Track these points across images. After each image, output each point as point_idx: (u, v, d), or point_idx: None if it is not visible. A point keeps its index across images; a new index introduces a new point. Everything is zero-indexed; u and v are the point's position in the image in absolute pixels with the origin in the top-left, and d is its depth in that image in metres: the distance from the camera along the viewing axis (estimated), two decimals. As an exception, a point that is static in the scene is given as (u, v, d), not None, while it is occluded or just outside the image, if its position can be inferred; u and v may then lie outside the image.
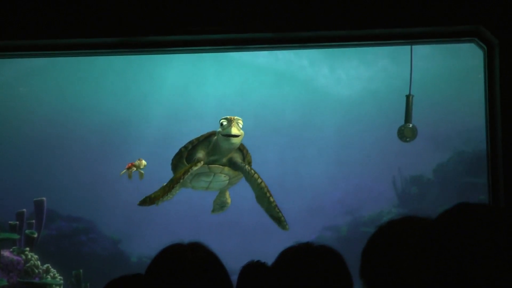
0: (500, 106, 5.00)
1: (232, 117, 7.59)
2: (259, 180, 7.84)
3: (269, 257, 3.14)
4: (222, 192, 8.76)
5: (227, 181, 8.20)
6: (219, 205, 8.90)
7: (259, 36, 5.40)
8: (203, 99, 18.41)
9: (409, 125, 6.93)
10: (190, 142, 8.06)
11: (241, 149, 8.08)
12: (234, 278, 3.09)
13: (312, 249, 2.88)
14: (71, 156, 18.06)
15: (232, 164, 7.95)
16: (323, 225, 17.26)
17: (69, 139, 18.22)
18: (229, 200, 8.85)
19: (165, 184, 7.75)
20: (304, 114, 18.84)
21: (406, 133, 7.08)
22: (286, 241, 3.13)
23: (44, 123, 18.20)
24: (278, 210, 7.82)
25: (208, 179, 8.08)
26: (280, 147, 18.68)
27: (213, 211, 8.97)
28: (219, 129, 7.66)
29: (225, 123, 7.57)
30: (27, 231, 12.01)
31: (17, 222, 12.02)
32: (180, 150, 8.13)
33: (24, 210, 12.28)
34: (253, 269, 3.76)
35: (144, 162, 8.61)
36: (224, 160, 7.95)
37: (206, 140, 7.98)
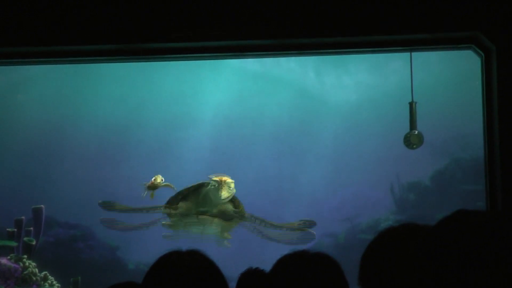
0: (498, 112, 5.01)
1: (222, 179, 7.60)
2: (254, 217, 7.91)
3: (266, 264, 3.14)
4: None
5: (219, 230, 8.18)
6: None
7: (258, 43, 5.42)
8: (201, 106, 18.40)
9: (414, 132, 6.95)
10: (180, 193, 8.08)
11: (233, 200, 8.07)
12: (232, 285, 3.08)
13: (309, 256, 2.88)
14: (69, 163, 18.03)
15: (223, 215, 7.94)
16: (321, 232, 17.23)
17: (67, 145, 18.19)
18: (229, 236, 8.69)
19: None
20: (302, 121, 18.83)
21: (412, 140, 7.10)
22: (283, 248, 3.13)
23: (42, 130, 18.17)
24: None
25: (199, 228, 8.08)
26: (277, 153, 18.67)
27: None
28: (210, 185, 7.66)
29: (215, 184, 7.60)
30: (25, 238, 11.99)
31: (15, 229, 12.00)
32: (171, 199, 8.16)
33: (23, 217, 12.26)
34: (251, 276, 3.76)
35: (160, 178, 8.54)
36: (215, 211, 7.94)
37: (196, 191, 7.98)
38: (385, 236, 2.70)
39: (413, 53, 6.26)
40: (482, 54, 5.18)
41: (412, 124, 6.84)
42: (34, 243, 12.06)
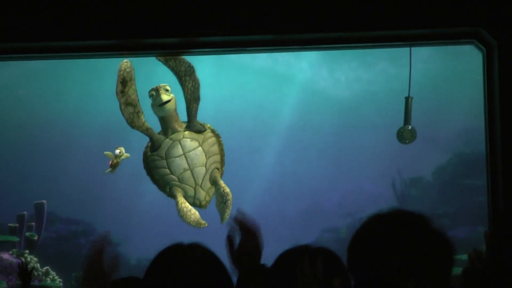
0: (499, 107, 5.00)
1: (158, 86, 7.68)
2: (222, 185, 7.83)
3: (267, 259, 3.14)
4: (215, 182, 8.32)
5: (200, 147, 7.89)
6: (221, 202, 8.36)
7: (259, 38, 5.41)
8: (202, 101, 18.36)
9: (408, 127, 6.94)
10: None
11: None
12: (234, 279, 3.08)
13: (310, 251, 2.88)
14: (70, 159, 18.05)
15: (187, 128, 7.84)
16: (322, 227, 17.27)
17: (68, 141, 18.21)
18: (227, 189, 8.32)
19: None
20: (303, 116, 18.83)
21: (405, 135, 7.09)
22: (285, 243, 3.13)
23: (43, 125, 18.19)
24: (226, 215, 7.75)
25: (178, 152, 7.83)
26: (279, 149, 18.68)
27: (222, 219, 8.38)
28: (151, 103, 7.72)
29: (153, 94, 7.67)
30: (27, 234, 12.01)
31: (17, 225, 12.02)
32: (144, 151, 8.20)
33: (25, 212, 12.28)
34: (252, 270, 3.75)
35: (121, 150, 8.57)
36: (179, 128, 7.84)
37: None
38: (369, 223, 2.71)
39: (416, 49, 6.25)
40: (484, 49, 5.17)
41: (407, 119, 6.83)
42: (35, 238, 12.08)
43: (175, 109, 7.74)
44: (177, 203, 7.77)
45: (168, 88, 7.72)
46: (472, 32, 5.18)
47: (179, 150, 7.76)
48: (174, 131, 7.77)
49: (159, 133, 7.91)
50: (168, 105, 7.61)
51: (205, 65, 18.16)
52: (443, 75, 17.63)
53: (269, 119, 18.72)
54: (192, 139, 7.74)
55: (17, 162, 17.61)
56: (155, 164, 7.86)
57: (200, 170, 7.92)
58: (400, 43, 5.58)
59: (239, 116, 17.82)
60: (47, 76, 18.11)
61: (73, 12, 5.23)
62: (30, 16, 5.23)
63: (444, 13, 5.11)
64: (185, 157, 7.80)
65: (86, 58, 5.96)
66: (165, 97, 7.58)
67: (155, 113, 7.74)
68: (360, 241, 2.69)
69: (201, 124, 7.86)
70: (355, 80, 18.94)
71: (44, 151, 18.05)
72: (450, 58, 16.89)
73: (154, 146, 7.92)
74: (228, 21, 5.19)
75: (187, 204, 7.77)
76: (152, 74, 18.47)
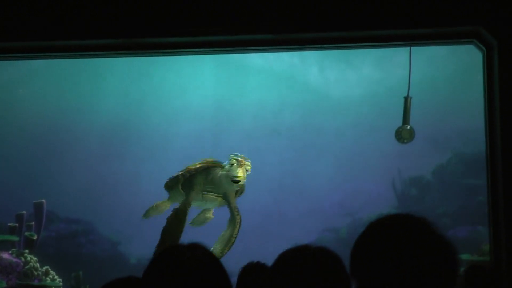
0: (499, 107, 5.00)
1: (243, 160, 7.60)
2: (236, 231, 7.92)
3: (268, 259, 3.13)
4: (208, 210, 8.70)
5: (218, 204, 8.20)
6: (201, 221, 8.84)
7: (259, 38, 5.41)
8: (202, 100, 18.39)
9: (406, 126, 6.95)
10: (188, 171, 8.01)
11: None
12: (233, 280, 3.08)
13: (311, 251, 2.88)
14: (70, 158, 18.05)
15: (225, 197, 7.97)
16: (323, 227, 17.26)
17: (68, 140, 18.20)
18: (212, 216, 8.79)
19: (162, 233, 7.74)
20: (303, 116, 18.82)
21: (403, 135, 7.10)
22: (285, 243, 3.13)
23: (43, 124, 18.18)
24: (223, 254, 7.88)
25: (199, 203, 8.12)
26: (279, 148, 18.66)
27: (192, 223, 8.79)
28: (227, 166, 7.66)
29: (234, 164, 7.57)
30: (26, 233, 11.99)
31: (17, 224, 12.01)
32: (177, 176, 8.10)
33: (24, 212, 12.27)
34: (252, 270, 3.75)
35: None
36: (220, 192, 7.97)
37: (204, 171, 7.96)
38: (374, 227, 2.71)
39: (417, 49, 6.26)
40: (484, 49, 5.17)
41: (405, 118, 6.83)
42: (35, 237, 12.07)
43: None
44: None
45: (249, 168, 7.69)
46: (472, 32, 5.18)
47: (200, 203, 8.07)
48: (215, 193, 7.94)
49: (201, 174, 7.96)
50: (238, 185, 7.67)
51: (205, 65, 18.23)
52: (443, 74, 17.63)
53: (269, 119, 18.71)
54: (219, 203, 8.02)
55: (17, 161, 17.60)
56: (176, 194, 8.06)
57: (209, 206, 8.47)
58: (400, 42, 5.58)
59: (239, 115, 17.82)
60: (47, 75, 18.11)
61: (73, 12, 5.23)
62: (30, 15, 5.23)
63: (444, 12, 5.11)
64: (200, 206, 8.20)
65: (86, 58, 5.96)
66: (241, 176, 7.59)
67: (222, 177, 7.75)
68: (364, 245, 2.69)
69: (235, 210, 8.06)
70: (355, 79, 18.93)
71: (44, 151, 18.04)
72: (450, 57, 16.89)
73: (187, 185, 8.05)
74: (228, 21, 5.19)
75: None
76: (153, 74, 18.45)
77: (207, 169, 7.91)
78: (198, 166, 7.93)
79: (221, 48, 5.61)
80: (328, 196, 18.29)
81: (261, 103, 18.74)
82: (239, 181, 7.54)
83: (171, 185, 8.20)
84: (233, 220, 7.87)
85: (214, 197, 7.93)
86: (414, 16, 5.12)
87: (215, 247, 7.81)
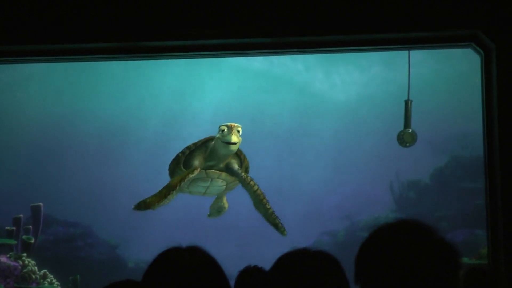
0: (497, 110, 5.00)
1: (232, 124, 7.66)
2: (255, 188, 7.89)
3: (266, 262, 3.13)
4: (219, 198, 8.79)
5: (225, 187, 8.21)
6: (216, 210, 8.95)
7: (257, 41, 5.41)
8: (200, 103, 18.41)
9: (408, 130, 6.94)
10: (187, 147, 8.08)
11: (238, 154, 8.12)
12: (231, 283, 3.08)
13: (309, 254, 2.87)
14: (68, 161, 18.05)
15: (229, 170, 7.98)
16: (321, 230, 17.27)
17: (66, 144, 18.21)
18: (226, 205, 8.90)
19: (161, 189, 7.75)
20: (301, 119, 18.85)
21: (405, 138, 7.09)
22: (284, 246, 3.13)
23: (41, 128, 18.18)
24: (275, 217, 7.87)
25: (205, 184, 8.11)
26: (277, 152, 18.68)
27: (209, 215, 9.01)
28: (218, 135, 7.71)
29: (225, 130, 7.63)
30: (24, 237, 11.97)
31: (14, 228, 11.99)
32: (177, 155, 8.14)
33: (21, 215, 12.24)
34: (250, 274, 3.75)
35: None
36: (222, 165, 7.99)
37: (203, 145, 8.02)
38: (378, 233, 2.71)
39: (415, 52, 6.26)
40: (482, 52, 5.17)
41: (407, 122, 6.83)
42: (32, 241, 12.05)
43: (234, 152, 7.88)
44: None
45: (240, 129, 7.75)
46: (470, 35, 5.18)
47: (207, 184, 8.03)
48: (217, 167, 7.93)
49: (200, 149, 7.99)
50: (233, 147, 7.70)
51: (204, 68, 18.24)
52: (441, 78, 17.66)
53: (267, 122, 18.73)
54: (223, 180, 8.01)
55: (14, 164, 17.59)
56: (180, 174, 7.97)
57: (212, 194, 8.50)
58: (398, 46, 5.59)
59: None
60: (45, 78, 18.11)
61: (72, 15, 5.23)
62: (29, 19, 5.23)
63: (442, 16, 5.11)
64: (206, 188, 8.06)
65: (85, 61, 5.96)
66: (235, 138, 7.66)
67: (217, 147, 7.78)
68: (369, 251, 2.69)
69: (239, 169, 8.03)
70: (353, 83, 18.96)
71: (41, 154, 18.04)
72: (447, 61, 16.91)
73: (188, 163, 8.01)
74: (226, 25, 5.19)
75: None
76: (152, 77, 18.45)
77: (205, 143, 7.98)
78: (196, 142, 8.03)
79: (219, 52, 5.61)
80: (326, 200, 18.31)
81: (259, 106, 18.76)
82: (234, 143, 7.61)
83: (173, 168, 8.23)
84: (248, 187, 7.89)
85: (218, 173, 7.94)
86: (412, 20, 5.12)
87: (260, 211, 7.91)
